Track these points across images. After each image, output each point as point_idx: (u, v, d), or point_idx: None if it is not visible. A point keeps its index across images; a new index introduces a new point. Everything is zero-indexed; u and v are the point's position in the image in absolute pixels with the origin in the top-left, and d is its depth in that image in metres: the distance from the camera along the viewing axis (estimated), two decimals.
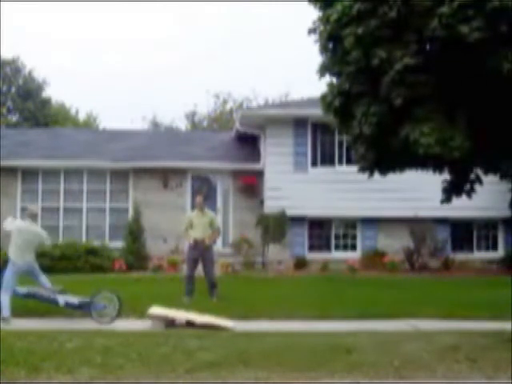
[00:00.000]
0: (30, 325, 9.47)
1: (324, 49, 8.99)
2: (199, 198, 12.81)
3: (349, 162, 18.42)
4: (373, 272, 17.51)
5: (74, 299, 10.38)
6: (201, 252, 12.33)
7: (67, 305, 10.32)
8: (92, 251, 17.48)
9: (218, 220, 14.61)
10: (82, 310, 10.26)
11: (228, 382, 6.30)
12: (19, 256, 10.24)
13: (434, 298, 12.57)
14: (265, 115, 19.43)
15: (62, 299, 10.32)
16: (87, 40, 60.75)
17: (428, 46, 8.20)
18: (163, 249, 18.60)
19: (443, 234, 19.02)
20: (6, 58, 38.20)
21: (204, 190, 16.80)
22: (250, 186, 19.48)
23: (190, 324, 9.52)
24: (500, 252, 19.52)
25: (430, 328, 9.47)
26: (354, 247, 19.42)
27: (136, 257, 18.05)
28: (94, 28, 62.05)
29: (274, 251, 18.38)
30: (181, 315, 9.77)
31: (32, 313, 10.38)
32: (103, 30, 60.61)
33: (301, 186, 18.78)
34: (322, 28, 8.86)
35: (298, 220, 18.85)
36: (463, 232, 19.65)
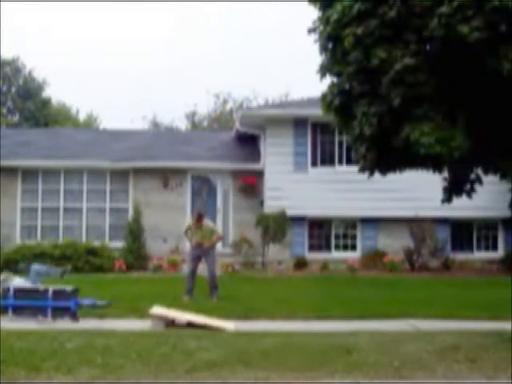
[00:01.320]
0: (29, 325, 9.47)
1: (324, 49, 8.97)
2: (196, 217, 12.49)
3: (349, 161, 18.43)
4: (373, 272, 17.52)
5: None
6: (203, 251, 12.35)
7: None
8: (92, 251, 17.50)
9: (218, 227, 14.54)
10: None
11: (228, 382, 6.30)
12: None
13: (434, 297, 12.57)
14: (265, 115, 19.43)
15: None
16: (87, 40, 60.87)
17: (428, 46, 8.19)
18: (163, 249, 18.60)
19: (443, 233, 19.01)
20: (6, 58, 38.23)
21: (205, 189, 16.67)
22: (250, 185, 19.48)
23: (190, 324, 9.53)
24: (500, 252, 19.51)
25: (430, 328, 9.47)
26: (353, 247, 19.42)
27: (136, 257, 18.06)
28: (94, 28, 62.15)
29: (273, 251, 18.37)
30: (181, 316, 9.77)
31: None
32: (103, 30, 60.72)
33: (301, 186, 18.79)
34: (321, 28, 8.85)
35: (297, 220, 18.85)
36: (463, 232, 19.65)
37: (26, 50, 58.54)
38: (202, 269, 12.59)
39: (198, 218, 12.44)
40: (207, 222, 12.76)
